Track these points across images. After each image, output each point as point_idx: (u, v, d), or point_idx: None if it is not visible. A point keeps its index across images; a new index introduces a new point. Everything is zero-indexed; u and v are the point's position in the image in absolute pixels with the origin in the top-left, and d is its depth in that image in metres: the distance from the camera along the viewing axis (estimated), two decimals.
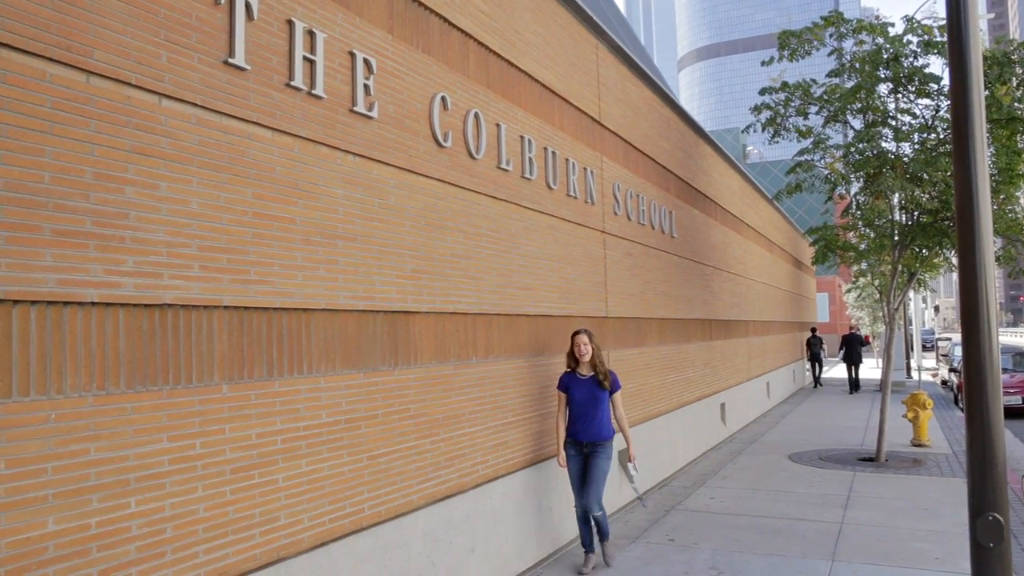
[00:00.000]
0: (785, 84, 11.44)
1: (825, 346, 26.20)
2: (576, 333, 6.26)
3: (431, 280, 5.18)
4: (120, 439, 3.16)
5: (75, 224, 3.03)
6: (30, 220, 2.87)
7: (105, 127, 3.16)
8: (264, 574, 3.78)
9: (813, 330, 24.99)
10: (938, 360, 30.53)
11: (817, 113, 11.49)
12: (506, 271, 6.15)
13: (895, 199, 11.15)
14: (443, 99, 5.40)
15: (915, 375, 25.69)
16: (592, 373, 6.20)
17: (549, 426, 6.71)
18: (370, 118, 4.67)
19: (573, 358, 6.28)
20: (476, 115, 5.80)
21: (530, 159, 6.59)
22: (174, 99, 3.45)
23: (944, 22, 9.90)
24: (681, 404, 10.82)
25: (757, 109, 11.93)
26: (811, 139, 11.58)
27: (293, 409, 4.02)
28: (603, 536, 6.23)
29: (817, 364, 24.39)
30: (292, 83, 4.07)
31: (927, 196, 10.31)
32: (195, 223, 3.52)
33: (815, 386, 24.36)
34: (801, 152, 11.71)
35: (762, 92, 11.71)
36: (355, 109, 4.53)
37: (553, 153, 7.07)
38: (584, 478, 6.12)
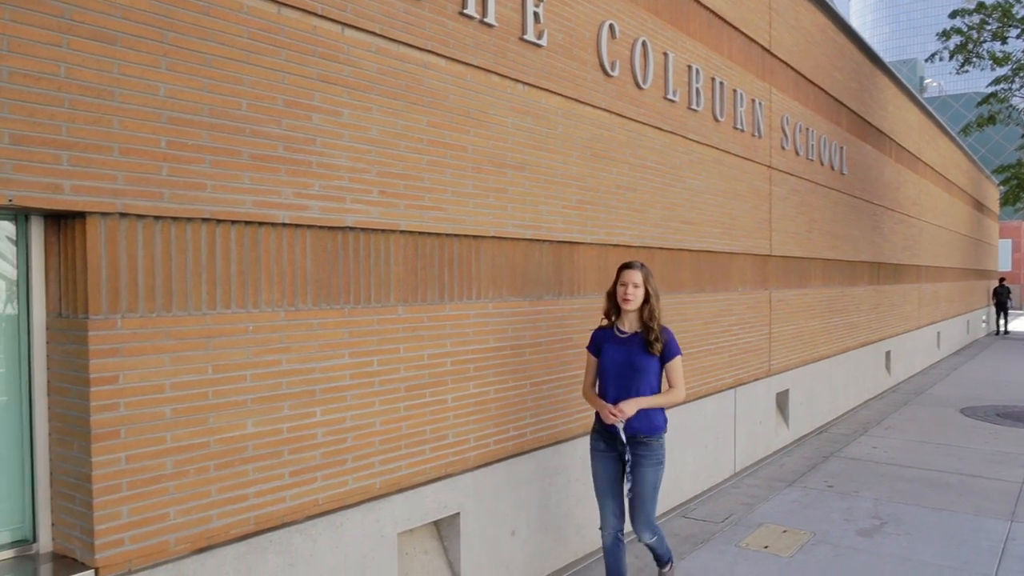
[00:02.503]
0: (981, 5, 10.40)
1: (1012, 296, 26.29)
2: (626, 266, 4.06)
3: (595, 211, 5.15)
4: (307, 352, 3.38)
5: (269, 149, 3.20)
6: (231, 145, 3.06)
7: (294, 56, 3.29)
8: (432, 488, 3.98)
9: (1001, 279, 25.31)
10: None
11: (1018, 37, 10.40)
12: (670, 205, 6.01)
13: None
14: (611, 27, 5.27)
15: None
16: (637, 330, 4.06)
17: (713, 362, 6.61)
18: (539, 47, 4.63)
19: (614, 304, 4.12)
20: (643, 43, 5.63)
21: (697, 90, 6.35)
22: (355, 28, 3.55)
23: None
24: (843, 349, 10.36)
25: (946, 34, 10.94)
26: (1009, 66, 10.52)
27: (463, 333, 4.15)
28: (661, 561, 4.32)
29: (1003, 314, 24.71)
30: (465, 11, 4.08)
31: None
32: (374, 149, 3.64)
33: (1000, 334, 24.55)
34: (996, 81, 10.69)
35: (953, 15, 10.70)
36: (525, 37, 4.50)
37: (720, 84, 6.79)
38: (616, 486, 4.11)
